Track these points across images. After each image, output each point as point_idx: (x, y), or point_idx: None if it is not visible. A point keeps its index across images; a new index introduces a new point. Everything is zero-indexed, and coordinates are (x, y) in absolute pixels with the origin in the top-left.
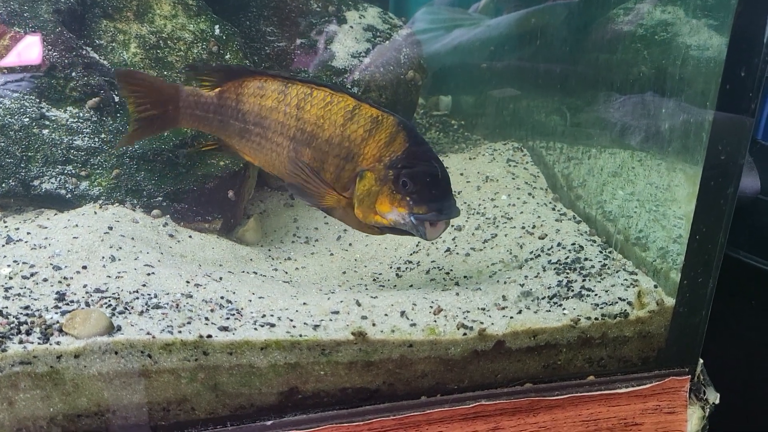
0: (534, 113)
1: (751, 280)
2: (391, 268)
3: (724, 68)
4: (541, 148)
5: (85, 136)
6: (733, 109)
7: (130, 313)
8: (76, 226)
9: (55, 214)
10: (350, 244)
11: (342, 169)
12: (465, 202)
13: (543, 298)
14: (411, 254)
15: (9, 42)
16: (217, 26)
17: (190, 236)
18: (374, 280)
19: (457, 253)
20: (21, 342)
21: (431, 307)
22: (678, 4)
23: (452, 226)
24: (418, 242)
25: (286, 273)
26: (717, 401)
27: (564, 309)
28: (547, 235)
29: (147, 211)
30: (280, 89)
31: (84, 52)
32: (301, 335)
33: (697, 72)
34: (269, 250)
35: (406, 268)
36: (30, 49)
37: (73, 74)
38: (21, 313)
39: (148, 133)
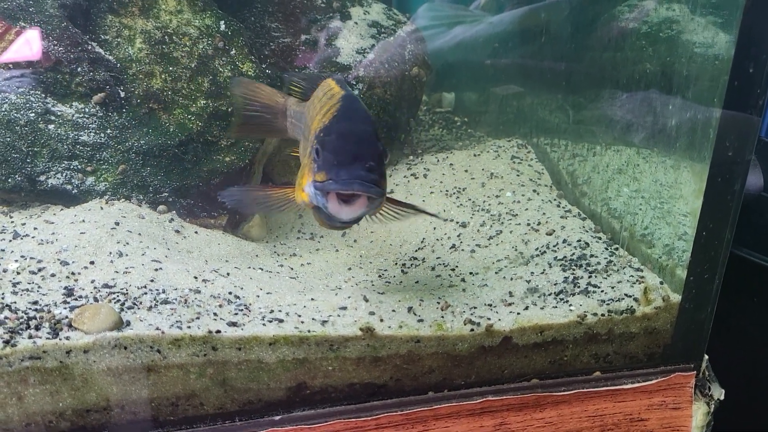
0: (538, 110)
1: (755, 277)
2: (396, 264)
3: (732, 64)
4: (545, 145)
5: (90, 132)
6: (740, 105)
7: (138, 309)
8: (83, 221)
9: (61, 210)
10: (355, 241)
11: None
12: (470, 199)
13: (549, 295)
14: (416, 251)
15: (13, 37)
16: (222, 22)
17: (196, 232)
18: (380, 276)
19: (463, 250)
20: (30, 337)
21: (438, 303)
22: (683, 2)
23: (457, 222)
24: (423, 238)
25: (292, 269)
26: (722, 397)
27: (570, 305)
28: (554, 230)
29: (153, 206)
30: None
31: (89, 48)
32: (309, 331)
33: (703, 69)
34: (274, 246)
35: (411, 265)
36: (31, 45)
37: (79, 69)
38: (30, 308)
39: (254, 133)
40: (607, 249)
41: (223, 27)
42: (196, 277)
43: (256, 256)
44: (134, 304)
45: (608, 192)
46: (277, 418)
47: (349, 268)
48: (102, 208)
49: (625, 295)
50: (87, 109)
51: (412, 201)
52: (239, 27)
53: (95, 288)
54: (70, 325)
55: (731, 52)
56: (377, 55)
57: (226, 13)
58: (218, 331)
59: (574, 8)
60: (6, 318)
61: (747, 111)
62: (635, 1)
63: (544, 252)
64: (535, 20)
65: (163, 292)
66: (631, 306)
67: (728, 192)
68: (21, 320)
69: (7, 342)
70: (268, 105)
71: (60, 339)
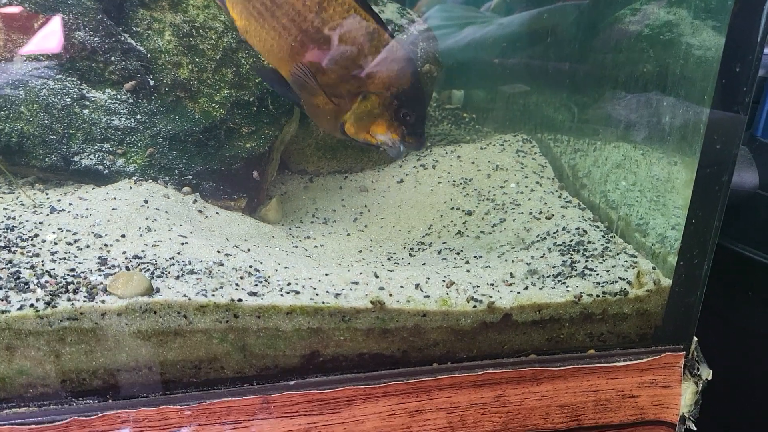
0: (543, 108)
1: (750, 272)
2: (404, 248)
3: (720, 64)
4: (549, 140)
5: (122, 117)
6: (728, 102)
7: (167, 278)
8: (114, 198)
9: (93, 188)
10: (366, 226)
11: (347, 81)
12: (476, 189)
13: (548, 276)
14: (423, 236)
15: (39, 25)
16: None
17: (217, 213)
18: (389, 258)
19: (468, 236)
20: (69, 300)
21: (444, 281)
22: (683, 6)
23: (463, 211)
24: (430, 225)
25: (306, 250)
26: (710, 377)
27: (567, 286)
28: (554, 215)
29: (178, 188)
30: None
31: (122, 39)
32: (323, 302)
33: (697, 70)
34: (290, 229)
35: (419, 249)
36: (54, 34)
37: (112, 59)
38: (68, 275)
39: None
40: (603, 237)
41: None
42: (219, 252)
43: (273, 237)
44: (163, 273)
45: (607, 184)
46: (292, 383)
47: (360, 251)
48: (131, 188)
49: (619, 278)
50: (119, 96)
51: (421, 190)
52: None
53: (126, 258)
54: (105, 290)
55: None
56: None
57: None
58: (240, 300)
59: (580, 12)
60: (46, 282)
61: (734, 108)
62: (638, 6)
63: (545, 238)
64: (542, 23)
65: (189, 263)
66: (625, 288)
67: (716, 183)
68: (60, 285)
69: (48, 303)
70: None
71: (96, 302)
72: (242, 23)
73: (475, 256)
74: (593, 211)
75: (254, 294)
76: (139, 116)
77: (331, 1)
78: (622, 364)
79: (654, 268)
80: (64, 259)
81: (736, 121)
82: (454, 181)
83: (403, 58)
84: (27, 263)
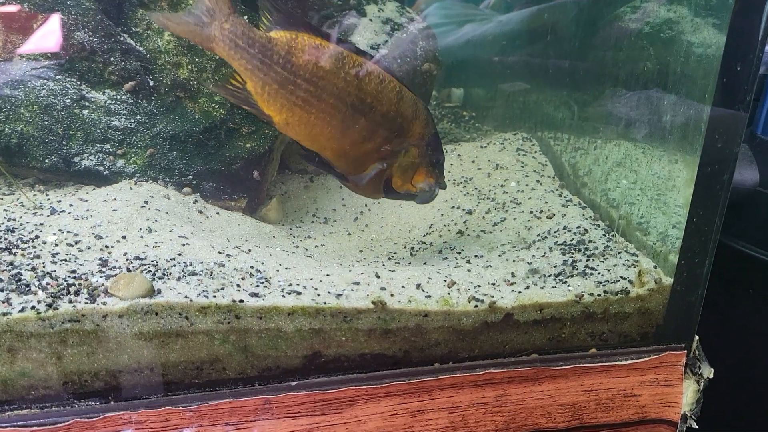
0: (543, 106)
1: (749, 269)
2: (405, 248)
3: (721, 63)
4: (549, 139)
5: (121, 117)
6: (729, 100)
7: (168, 279)
8: (115, 199)
9: (94, 189)
10: (366, 225)
11: (390, 141)
12: (476, 188)
13: (549, 276)
14: (424, 235)
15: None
16: (245, 16)
17: (218, 213)
18: (389, 258)
19: (468, 235)
20: (71, 302)
21: (445, 281)
22: (683, 4)
23: (463, 210)
24: (431, 224)
25: (307, 250)
26: (711, 376)
27: (569, 286)
28: (555, 214)
29: (178, 188)
30: (339, 55)
31: (122, 39)
32: (325, 303)
33: (698, 68)
34: (290, 228)
35: (420, 248)
36: (53, 34)
37: (112, 59)
38: (69, 276)
39: (177, 29)
40: (604, 235)
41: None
42: (220, 252)
43: (273, 237)
44: (164, 274)
45: (608, 183)
46: (294, 383)
47: (361, 250)
48: (131, 189)
49: (621, 277)
50: (118, 96)
51: None
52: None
53: (127, 260)
54: (106, 292)
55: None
56: (390, 50)
57: (248, 8)
58: (241, 301)
59: (579, 9)
60: (48, 284)
61: (735, 107)
62: (638, 3)
63: (546, 237)
64: (542, 20)
65: (190, 264)
66: (626, 287)
67: (717, 181)
68: (61, 286)
69: (49, 305)
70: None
71: (97, 304)
72: (283, 116)
73: (476, 256)
74: (594, 209)
75: (256, 295)
76: (138, 117)
77: (364, 70)
78: (623, 363)
79: (655, 267)
80: (65, 260)
81: (737, 120)
82: (454, 179)
83: (424, 107)
84: (28, 265)
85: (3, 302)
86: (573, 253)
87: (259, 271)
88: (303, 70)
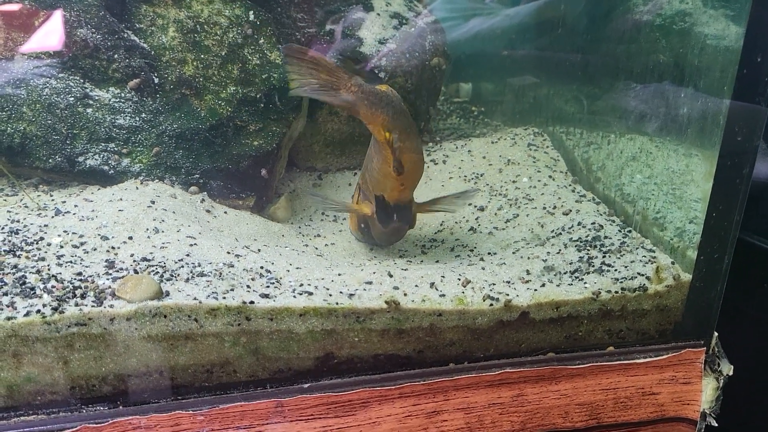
0: (554, 100)
1: (765, 263)
2: (416, 245)
3: (741, 54)
4: (561, 134)
5: (126, 116)
6: (749, 92)
7: (176, 280)
8: (121, 199)
9: (99, 189)
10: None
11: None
12: (487, 184)
13: (565, 273)
14: (435, 233)
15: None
16: (251, 12)
17: (226, 212)
18: (401, 256)
19: (481, 232)
20: (77, 305)
21: (459, 279)
22: None
23: (475, 206)
24: (442, 221)
25: (317, 248)
26: (731, 373)
27: (585, 283)
28: (571, 210)
29: (185, 187)
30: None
31: (125, 36)
32: (337, 303)
33: (714, 60)
34: (299, 227)
35: (431, 246)
36: (55, 31)
37: (116, 56)
38: (74, 279)
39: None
40: (620, 231)
41: (252, 17)
42: (229, 252)
43: (282, 235)
44: (172, 276)
45: (622, 178)
46: (306, 385)
47: (371, 249)
48: (137, 188)
49: (638, 273)
50: (123, 94)
51: (432, 185)
52: (267, 17)
53: (134, 261)
54: (113, 294)
55: (741, 44)
56: (399, 45)
57: (254, 3)
58: (252, 302)
59: (589, 1)
60: (53, 287)
61: (755, 99)
62: None
63: (560, 234)
64: (551, 12)
65: (199, 265)
66: (644, 284)
67: (738, 175)
68: (67, 289)
69: (55, 309)
70: (330, 72)
71: (104, 307)
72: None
73: (489, 253)
74: (608, 205)
75: (266, 296)
76: (144, 115)
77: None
78: (641, 360)
79: (673, 263)
80: (71, 262)
81: (757, 112)
82: (465, 176)
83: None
84: (32, 267)
85: (7, 306)
86: (588, 250)
87: (269, 272)
88: None
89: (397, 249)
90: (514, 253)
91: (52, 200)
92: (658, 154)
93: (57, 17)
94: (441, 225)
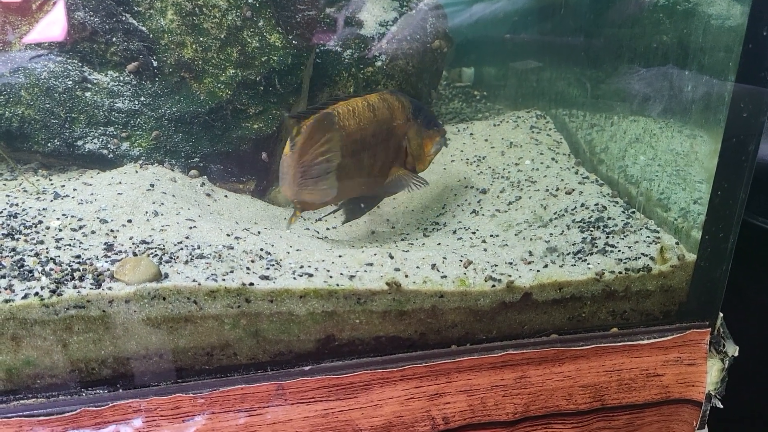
0: (556, 83)
1: None
2: (418, 228)
3: (746, 28)
4: (563, 116)
5: (125, 99)
6: (755, 67)
7: (175, 263)
8: (120, 183)
9: (98, 173)
10: (378, 206)
11: (394, 146)
12: (489, 167)
13: (568, 254)
14: (437, 216)
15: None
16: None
17: (226, 196)
18: (403, 239)
19: (483, 215)
20: (75, 287)
21: (461, 260)
22: None
23: (477, 189)
24: (444, 204)
25: (318, 232)
26: (736, 354)
27: (588, 264)
28: (574, 189)
29: (185, 171)
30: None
31: (124, 18)
32: (338, 284)
33: (718, 39)
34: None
35: (433, 229)
36: (63, 20)
37: (114, 39)
38: (73, 262)
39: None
40: (624, 212)
41: None
42: (228, 235)
43: (284, 219)
44: (171, 258)
45: (625, 159)
46: (307, 368)
47: (373, 232)
48: (137, 172)
49: (642, 254)
50: (122, 78)
51: (434, 168)
52: None
53: (133, 244)
54: (111, 277)
55: (745, 22)
56: (400, 27)
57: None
58: (251, 284)
59: None
60: (51, 269)
61: (761, 73)
62: None
63: (563, 215)
64: None
65: (198, 247)
66: (648, 264)
67: (743, 152)
68: (65, 272)
69: (53, 291)
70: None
71: (103, 289)
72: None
73: (491, 235)
74: (612, 186)
75: (266, 278)
76: (143, 98)
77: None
78: (645, 342)
79: (677, 243)
80: (69, 245)
81: (763, 88)
82: (467, 159)
83: (389, 93)
84: (31, 251)
85: (5, 289)
86: (592, 231)
87: (269, 254)
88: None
89: (399, 232)
90: (516, 234)
91: (51, 184)
92: (661, 135)
93: (59, 6)
94: (443, 208)
